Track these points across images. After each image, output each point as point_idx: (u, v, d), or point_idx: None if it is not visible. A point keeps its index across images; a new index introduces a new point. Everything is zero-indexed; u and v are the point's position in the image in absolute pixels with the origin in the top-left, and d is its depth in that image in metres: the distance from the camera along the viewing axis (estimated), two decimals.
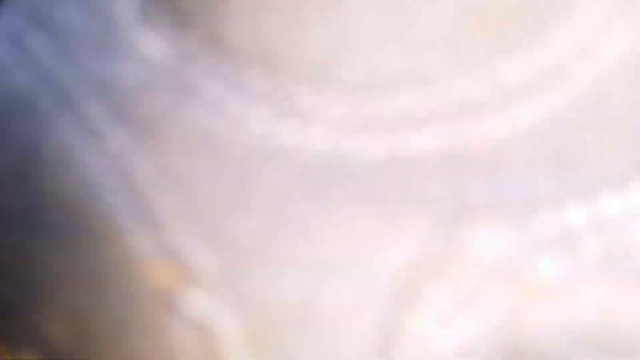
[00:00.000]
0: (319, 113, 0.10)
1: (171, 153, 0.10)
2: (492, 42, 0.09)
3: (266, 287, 0.09)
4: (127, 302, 0.09)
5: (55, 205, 0.10)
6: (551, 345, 0.09)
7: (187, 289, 0.09)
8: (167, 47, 0.10)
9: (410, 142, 0.10)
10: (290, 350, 0.09)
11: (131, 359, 0.10)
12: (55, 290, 0.10)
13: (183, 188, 0.10)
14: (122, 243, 0.10)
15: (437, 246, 0.09)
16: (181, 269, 0.09)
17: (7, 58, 0.11)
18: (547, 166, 0.09)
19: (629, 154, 0.10)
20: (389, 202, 0.09)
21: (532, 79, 0.10)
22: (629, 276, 0.10)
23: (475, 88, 0.10)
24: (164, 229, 0.09)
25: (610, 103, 0.10)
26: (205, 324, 0.09)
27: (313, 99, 0.10)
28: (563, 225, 0.09)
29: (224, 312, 0.09)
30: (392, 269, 0.09)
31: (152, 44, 0.10)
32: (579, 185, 0.10)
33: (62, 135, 0.10)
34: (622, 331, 0.10)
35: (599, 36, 0.10)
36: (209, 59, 0.10)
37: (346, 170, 0.10)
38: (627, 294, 0.10)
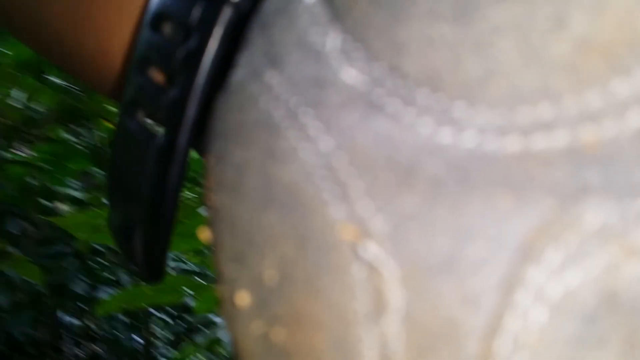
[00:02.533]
0: (469, 121, 0.12)
1: (361, 152, 0.13)
2: (606, 66, 0.11)
3: (421, 244, 0.12)
4: (322, 252, 0.12)
5: (282, 187, 0.13)
6: None
7: (365, 242, 0.12)
8: (361, 76, 0.13)
9: (539, 142, 0.12)
10: (433, 289, 0.12)
11: (320, 294, 0.12)
12: (273, 246, 0.13)
13: (367, 175, 0.13)
14: (323, 213, 0.13)
15: (556, 217, 0.11)
16: (362, 229, 0.12)
17: (251, 88, 0.14)
18: None
19: None
20: (520, 184, 0.11)
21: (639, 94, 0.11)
22: None
23: (592, 101, 0.11)
24: (353, 203, 0.12)
25: None
26: (374, 266, 0.12)
27: (466, 111, 0.12)
28: None
29: (388, 259, 0.12)
30: (519, 233, 0.11)
31: (350, 74, 0.13)
32: None
33: (289, 140, 0.13)
34: None
35: None
36: (390, 84, 0.13)
37: (487, 162, 0.12)
38: None
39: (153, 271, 0.18)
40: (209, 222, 0.15)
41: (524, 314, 0.11)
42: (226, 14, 0.16)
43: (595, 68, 0.11)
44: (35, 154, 1.05)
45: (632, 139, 0.11)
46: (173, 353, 1.44)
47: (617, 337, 0.11)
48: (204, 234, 0.15)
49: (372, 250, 0.12)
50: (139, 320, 1.47)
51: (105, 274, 1.42)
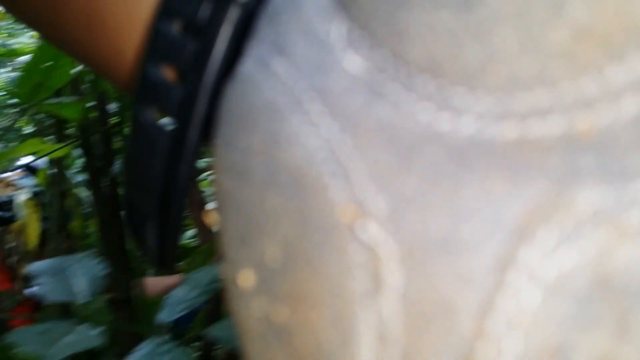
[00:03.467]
0: (468, 107, 0.12)
1: (363, 136, 0.13)
2: (602, 52, 0.12)
3: (419, 225, 0.12)
4: (322, 233, 0.13)
5: (285, 171, 0.13)
6: (634, 276, 0.11)
7: (364, 222, 0.13)
8: (364, 63, 0.13)
9: (536, 128, 0.12)
10: (430, 268, 0.12)
11: (320, 274, 0.13)
12: (276, 227, 0.13)
13: (368, 158, 0.13)
14: (324, 195, 0.13)
15: (550, 199, 0.11)
16: (361, 210, 0.13)
17: (258, 76, 0.15)
18: None
19: None
20: (516, 168, 0.12)
21: (635, 80, 0.11)
22: None
23: (588, 88, 0.12)
24: (353, 186, 0.13)
25: None
26: (373, 247, 0.12)
27: (465, 97, 0.12)
28: None
29: (386, 239, 0.12)
30: (513, 214, 0.12)
31: (353, 61, 0.13)
32: None
33: (293, 125, 0.14)
34: None
35: None
36: (392, 70, 0.13)
37: (485, 148, 0.12)
38: None
39: (164, 260, 0.18)
40: (216, 206, 0.15)
41: (517, 295, 0.11)
42: (234, 13, 0.16)
43: (591, 55, 0.12)
44: None
45: (626, 125, 0.11)
46: None
47: (610, 320, 0.11)
48: (212, 217, 0.15)
49: (372, 231, 0.12)
50: None
51: None
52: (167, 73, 0.17)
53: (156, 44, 0.17)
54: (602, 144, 0.11)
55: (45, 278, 0.88)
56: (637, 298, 0.11)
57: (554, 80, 0.12)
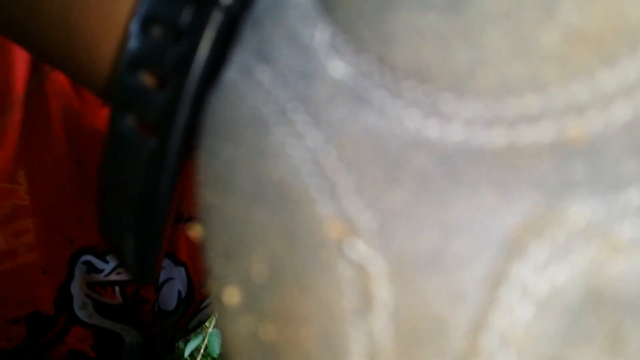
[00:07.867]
0: (457, 113, 0.12)
1: (348, 146, 0.13)
2: (594, 56, 0.12)
3: (408, 241, 0.12)
4: (310, 249, 0.13)
5: (271, 184, 0.14)
6: (625, 289, 0.11)
7: (352, 239, 0.13)
8: (348, 69, 0.13)
9: (526, 134, 0.12)
10: (420, 285, 0.12)
11: (308, 291, 0.13)
12: (262, 243, 0.14)
13: (355, 170, 0.13)
14: (311, 210, 0.13)
15: (541, 212, 0.11)
16: (349, 226, 0.13)
17: (242, 84, 0.15)
18: (638, 154, 0.11)
19: None
20: (506, 179, 0.12)
21: (627, 85, 0.11)
22: None
23: (579, 93, 0.12)
24: (341, 200, 0.13)
25: None
26: (362, 264, 0.12)
27: (453, 103, 0.12)
28: None
29: (375, 256, 0.12)
30: (504, 229, 0.12)
31: (337, 67, 0.13)
32: None
33: (277, 136, 0.14)
34: None
35: None
36: (378, 76, 0.13)
37: (474, 156, 0.12)
38: None
39: (145, 274, 0.18)
40: (199, 219, 0.15)
41: (510, 311, 0.12)
42: (217, 18, 0.16)
43: (583, 58, 0.12)
44: None
45: (618, 131, 0.11)
46: None
47: (601, 333, 0.11)
48: (195, 231, 0.15)
49: (360, 248, 0.13)
50: None
51: None
52: (147, 79, 0.17)
53: (134, 49, 0.17)
54: (593, 151, 0.12)
55: None
56: (628, 311, 0.11)
57: (545, 84, 0.12)
